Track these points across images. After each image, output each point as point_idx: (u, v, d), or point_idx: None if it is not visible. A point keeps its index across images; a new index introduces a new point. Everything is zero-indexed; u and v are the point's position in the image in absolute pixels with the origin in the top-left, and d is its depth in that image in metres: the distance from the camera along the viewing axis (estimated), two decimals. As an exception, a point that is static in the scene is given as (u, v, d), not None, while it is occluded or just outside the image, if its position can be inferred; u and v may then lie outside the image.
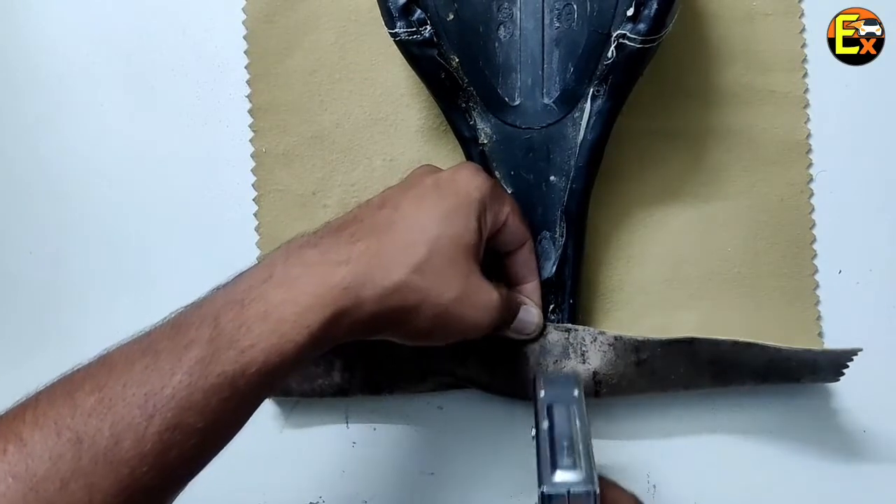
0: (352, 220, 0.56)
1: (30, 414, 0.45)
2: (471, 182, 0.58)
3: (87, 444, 0.44)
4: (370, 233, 0.54)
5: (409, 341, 0.57)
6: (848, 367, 0.65)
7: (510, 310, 0.61)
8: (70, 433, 0.44)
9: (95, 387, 0.46)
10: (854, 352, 0.64)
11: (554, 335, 0.64)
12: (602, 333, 0.65)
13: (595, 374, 0.64)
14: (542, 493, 0.52)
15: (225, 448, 0.68)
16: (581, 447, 0.55)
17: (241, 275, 0.52)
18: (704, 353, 0.64)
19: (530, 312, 0.62)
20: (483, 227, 0.57)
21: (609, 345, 0.64)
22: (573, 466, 0.53)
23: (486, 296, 0.56)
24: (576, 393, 0.59)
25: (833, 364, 0.65)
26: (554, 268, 0.65)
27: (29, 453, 0.44)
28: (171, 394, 0.46)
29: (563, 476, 0.53)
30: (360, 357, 0.67)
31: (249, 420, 0.68)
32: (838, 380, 0.66)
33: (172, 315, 0.50)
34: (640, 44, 0.59)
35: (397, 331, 0.55)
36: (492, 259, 0.62)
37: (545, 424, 0.57)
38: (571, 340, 0.64)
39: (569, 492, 0.52)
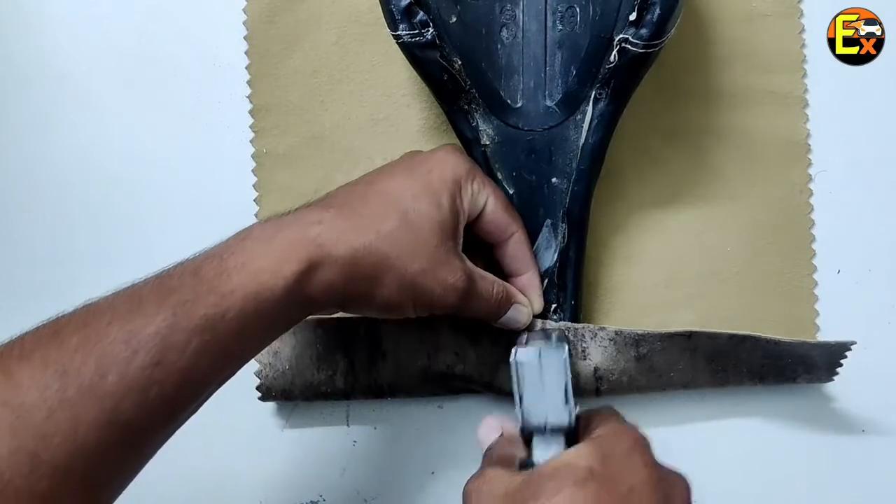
0: (331, 192, 0.59)
1: (16, 350, 0.47)
2: (445, 161, 0.59)
3: (73, 376, 0.46)
4: (343, 202, 0.57)
5: (385, 313, 0.58)
6: (842, 364, 0.65)
7: (499, 306, 0.61)
8: (56, 366, 0.46)
9: (80, 325, 0.48)
10: (847, 345, 0.65)
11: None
12: (602, 329, 0.65)
13: (596, 369, 0.65)
14: (514, 360, 0.53)
15: (224, 445, 0.69)
16: (554, 340, 0.57)
17: (221, 241, 0.54)
18: (703, 348, 0.65)
19: (520, 311, 0.63)
20: (458, 207, 0.58)
21: (610, 339, 0.65)
22: (545, 340, 0.56)
23: (451, 275, 0.57)
24: (554, 336, 0.61)
25: (827, 358, 0.65)
26: (556, 269, 0.65)
27: (17, 384, 0.45)
28: (154, 331, 0.48)
29: (534, 344, 0.54)
30: (362, 361, 0.67)
31: (251, 419, 0.70)
32: (832, 379, 0.66)
33: (156, 272, 0.52)
34: (642, 49, 0.59)
35: (370, 300, 0.56)
36: (485, 252, 0.63)
37: (523, 338, 0.59)
38: (571, 337, 0.65)
39: (540, 353, 0.53)
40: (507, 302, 0.62)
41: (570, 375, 0.53)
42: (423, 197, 0.57)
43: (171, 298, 0.49)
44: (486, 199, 0.60)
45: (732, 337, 0.65)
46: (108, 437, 0.46)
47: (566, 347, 0.53)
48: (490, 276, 0.61)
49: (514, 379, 0.53)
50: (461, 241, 0.59)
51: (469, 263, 0.59)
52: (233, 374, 0.53)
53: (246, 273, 0.50)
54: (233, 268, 0.51)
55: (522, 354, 0.53)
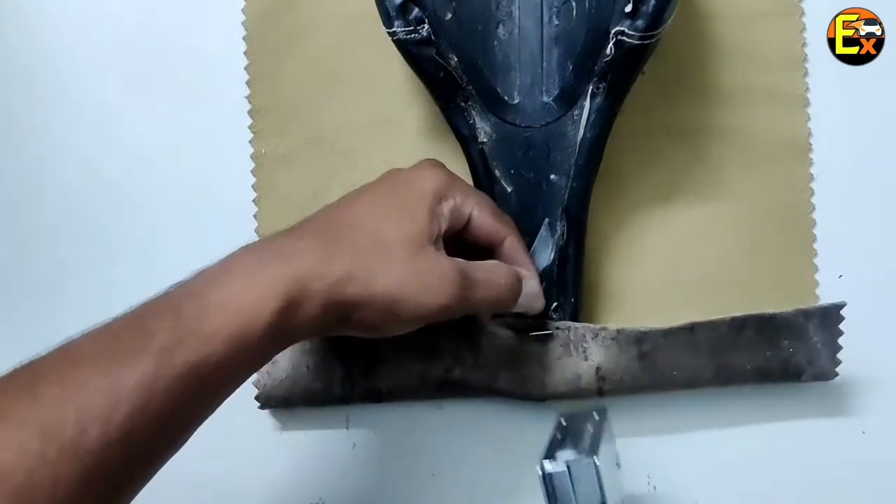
0: (309, 218, 0.58)
1: None
2: (424, 175, 0.59)
3: (53, 434, 0.44)
4: (321, 228, 0.56)
5: (372, 334, 0.57)
6: (841, 347, 0.65)
7: (512, 288, 0.60)
8: (35, 423, 0.44)
9: (58, 377, 0.46)
10: (838, 308, 0.65)
11: (554, 333, 0.64)
12: (604, 329, 0.65)
13: (598, 369, 0.64)
14: (543, 473, 0.52)
15: (222, 448, 0.68)
16: (587, 442, 0.55)
17: (199, 271, 0.53)
18: (705, 342, 0.65)
19: (530, 284, 0.62)
20: (437, 218, 0.57)
21: (612, 339, 0.64)
22: (574, 448, 0.53)
23: (435, 279, 0.56)
24: (596, 416, 0.59)
25: (824, 336, 0.65)
26: (555, 267, 0.65)
27: None
28: (135, 383, 0.46)
29: (562, 455, 0.53)
30: (359, 368, 0.67)
31: (250, 422, 0.69)
32: (836, 373, 0.66)
33: (133, 308, 0.51)
34: (638, 40, 0.59)
35: (356, 324, 0.55)
36: (481, 256, 0.62)
37: (557, 436, 0.57)
38: (572, 337, 0.64)
39: (568, 466, 0.52)
40: (517, 278, 0.61)
41: (603, 484, 0.51)
42: (401, 211, 0.56)
43: (152, 344, 0.47)
44: (471, 210, 0.60)
45: (733, 321, 0.65)
46: (89, 491, 0.45)
47: (597, 458, 0.52)
48: (488, 261, 0.60)
49: (543, 493, 0.52)
50: (441, 245, 0.58)
51: (460, 261, 0.57)
52: (217, 407, 0.52)
53: (227, 314, 0.49)
54: (213, 307, 0.49)
55: (550, 466, 0.52)
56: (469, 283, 0.57)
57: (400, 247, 0.55)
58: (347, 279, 0.53)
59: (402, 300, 0.55)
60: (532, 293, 0.62)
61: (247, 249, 0.54)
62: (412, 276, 0.55)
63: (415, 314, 0.56)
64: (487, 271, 0.59)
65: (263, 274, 0.51)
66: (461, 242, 0.61)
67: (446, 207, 0.58)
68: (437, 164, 0.61)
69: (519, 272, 0.61)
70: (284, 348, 0.54)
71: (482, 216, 0.60)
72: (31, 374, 0.47)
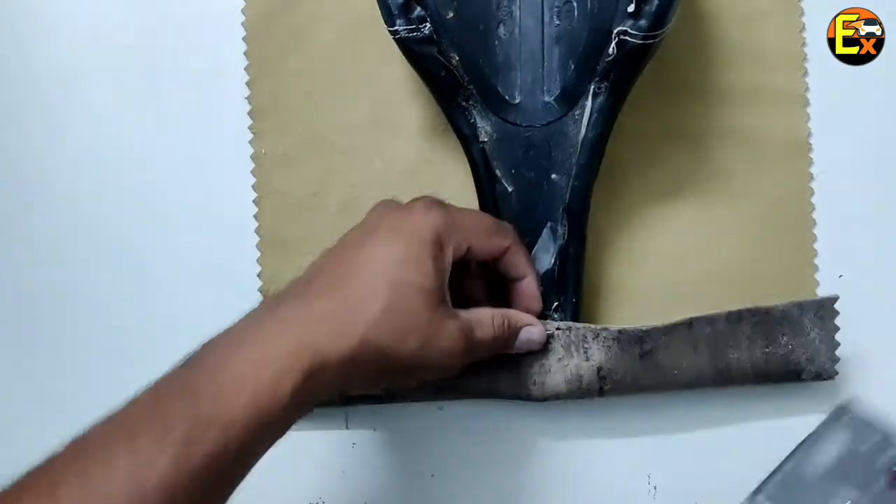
0: (313, 275, 0.56)
1: None
2: (422, 223, 0.57)
3: None
4: (329, 290, 0.54)
5: (383, 390, 0.59)
6: (839, 345, 0.66)
7: (505, 340, 0.61)
8: None
9: (78, 479, 0.45)
10: (831, 301, 0.65)
11: (555, 334, 0.64)
12: (606, 329, 0.64)
13: (599, 369, 0.64)
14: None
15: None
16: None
17: (216, 340, 0.52)
18: (705, 339, 0.65)
19: (531, 333, 0.63)
20: (442, 267, 0.57)
21: (614, 339, 0.64)
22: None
23: (447, 341, 0.56)
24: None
25: (820, 328, 0.65)
26: (556, 266, 0.65)
27: None
28: (158, 481, 0.45)
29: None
30: None
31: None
32: (836, 372, 0.66)
33: (150, 387, 0.50)
34: (641, 40, 0.59)
35: (370, 384, 0.57)
36: (480, 268, 0.63)
37: None
38: (573, 338, 0.64)
39: None
40: (511, 331, 0.61)
41: None
42: (408, 266, 0.55)
43: (170, 437, 0.46)
44: (469, 242, 0.59)
45: (730, 316, 0.65)
46: None
47: None
48: (485, 312, 0.60)
49: None
50: (448, 296, 0.58)
51: (462, 316, 0.58)
52: (241, 481, 0.52)
53: (244, 395, 0.48)
54: (230, 391, 0.48)
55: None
56: (473, 344, 0.58)
57: (418, 304, 0.55)
58: (366, 343, 0.53)
59: (421, 359, 0.55)
60: (530, 340, 0.63)
61: (258, 317, 0.53)
62: (431, 338, 0.55)
63: (430, 373, 0.58)
64: (486, 327, 0.60)
65: (280, 351, 0.50)
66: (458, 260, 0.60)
67: (448, 254, 0.57)
68: (431, 206, 0.59)
69: (520, 321, 0.62)
70: (302, 416, 0.53)
71: (480, 243, 0.60)
72: (51, 475, 0.46)
